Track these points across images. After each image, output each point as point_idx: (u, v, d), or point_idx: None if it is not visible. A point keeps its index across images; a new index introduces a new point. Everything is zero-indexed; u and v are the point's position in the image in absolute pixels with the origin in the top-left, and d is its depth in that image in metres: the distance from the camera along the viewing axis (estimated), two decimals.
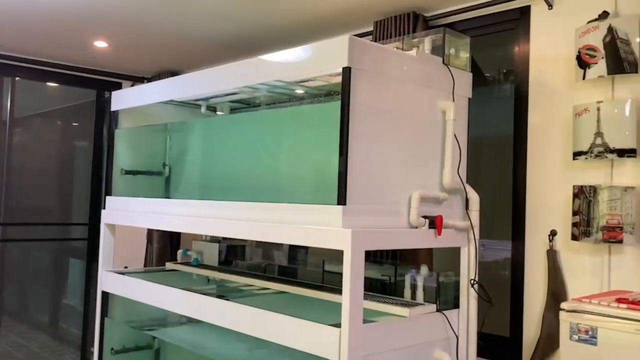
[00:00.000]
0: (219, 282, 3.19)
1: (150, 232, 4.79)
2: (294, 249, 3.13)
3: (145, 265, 4.88)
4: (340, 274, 2.89)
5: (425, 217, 2.30)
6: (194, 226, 2.64)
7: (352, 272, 1.99)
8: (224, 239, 3.52)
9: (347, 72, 2.06)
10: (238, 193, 2.57)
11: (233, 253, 3.51)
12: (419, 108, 2.32)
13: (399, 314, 2.31)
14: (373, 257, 2.89)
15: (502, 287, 2.83)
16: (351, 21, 3.27)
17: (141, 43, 4.08)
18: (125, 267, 5.07)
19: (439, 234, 2.32)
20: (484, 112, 3.34)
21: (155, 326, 3.23)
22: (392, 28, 3.05)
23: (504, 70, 3.22)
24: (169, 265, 3.64)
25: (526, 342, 2.65)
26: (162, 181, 3.15)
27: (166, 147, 3.14)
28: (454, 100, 2.45)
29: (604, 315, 1.74)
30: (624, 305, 1.76)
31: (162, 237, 4.68)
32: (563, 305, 1.81)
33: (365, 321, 2.08)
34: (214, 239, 3.60)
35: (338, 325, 2.00)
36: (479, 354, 2.61)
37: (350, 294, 1.99)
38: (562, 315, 1.80)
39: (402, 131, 2.25)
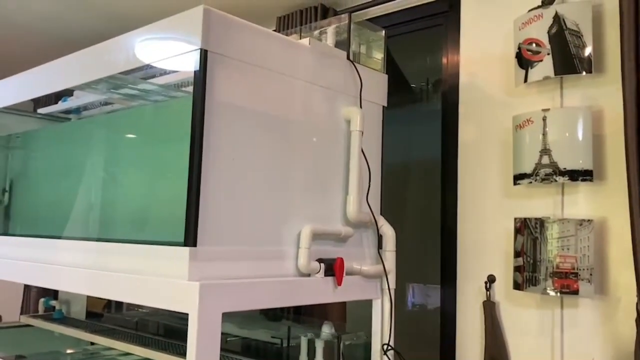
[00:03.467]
0: (80, 343, 2.48)
1: None
2: None
3: (22, 314, 4.08)
4: (236, 336, 2.25)
5: (320, 260, 1.69)
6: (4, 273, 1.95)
7: (199, 346, 1.35)
8: None
9: (201, 56, 1.46)
10: (66, 227, 1.90)
11: (105, 304, 2.81)
12: (312, 114, 1.74)
13: None
14: (265, 310, 2.26)
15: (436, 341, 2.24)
16: (250, 18, 2.71)
17: None
18: None
19: (339, 284, 1.72)
20: (414, 131, 2.80)
21: None
22: (297, 24, 2.49)
23: (435, 80, 2.70)
24: (23, 319, 2.90)
25: None
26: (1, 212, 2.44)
27: (7, 168, 2.44)
28: (361, 107, 1.88)
29: None
30: None
31: None
32: None
33: None
34: None
35: None
36: None
37: None
38: None
39: (287, 143, 1.66)
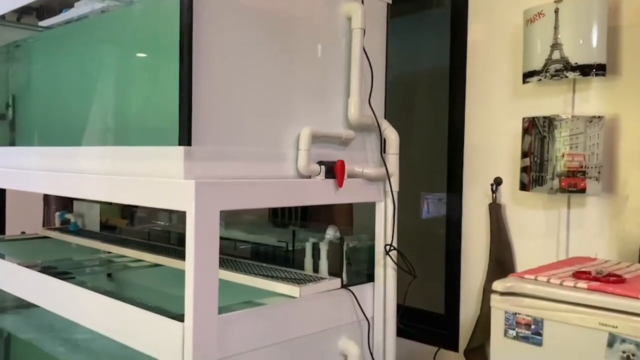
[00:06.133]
0: (94, 252, 2.55)
1: None
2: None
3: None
4: (246, 242, 2.28)
5: (321, 162, 1.67)
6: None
7: (198, 244, 1.36)
8: None
9: None
10: (66, 136, 1.90)
11: (118, 215, 2.87)
12: (311, 11, 1.66)
13: (289, 293, 1.71)
14: (273, 216, 2.28)
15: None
16: None
17: None
18: (23, 233, 4.37)
19: (340, 186, 1.71)
20: (430, 38, 2.68)
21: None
22: None
23: None
24: (42, 231, 2.98)
25: (464, 321, 2.08)
26: (6, 127, 2.44)
27: (7, 82, 2.42)
28: (363, 3, 1.79)
29: (553, 300, 1.16)
30: (583, 285, 1.18)
31: (60, 197, 3.99)
32: (495, 285, 1.22)
33: (245, 305, 1.50)
34: None
35: (182, 318, 1.39)
36: (406, 336, 2.05)
37: (196, 275, 1.37)
38: (494, 300, 1.21)
39: (284, 42, 1.60)
